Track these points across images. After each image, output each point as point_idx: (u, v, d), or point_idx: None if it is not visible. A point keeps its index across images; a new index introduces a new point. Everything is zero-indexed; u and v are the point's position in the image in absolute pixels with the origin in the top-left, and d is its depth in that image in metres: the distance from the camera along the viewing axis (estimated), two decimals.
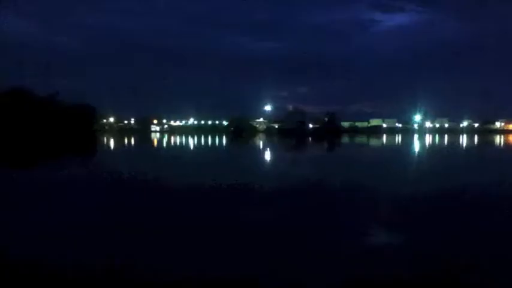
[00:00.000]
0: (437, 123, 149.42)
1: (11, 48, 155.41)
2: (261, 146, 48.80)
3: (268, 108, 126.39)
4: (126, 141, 61.08)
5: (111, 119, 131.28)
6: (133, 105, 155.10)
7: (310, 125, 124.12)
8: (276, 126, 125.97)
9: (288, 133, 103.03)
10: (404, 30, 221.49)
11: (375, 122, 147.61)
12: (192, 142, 56.47)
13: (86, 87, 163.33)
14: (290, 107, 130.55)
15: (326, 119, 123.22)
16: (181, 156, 32.14)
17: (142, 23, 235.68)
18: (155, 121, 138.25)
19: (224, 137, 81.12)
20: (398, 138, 75.98)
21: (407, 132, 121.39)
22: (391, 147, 48.75)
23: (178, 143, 55.27)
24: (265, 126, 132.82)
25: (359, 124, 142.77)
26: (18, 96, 77.21)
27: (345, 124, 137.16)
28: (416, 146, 47.40)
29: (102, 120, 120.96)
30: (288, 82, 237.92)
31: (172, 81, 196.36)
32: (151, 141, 61.62)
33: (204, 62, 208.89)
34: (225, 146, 49.50)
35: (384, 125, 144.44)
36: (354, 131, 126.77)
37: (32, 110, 74.57)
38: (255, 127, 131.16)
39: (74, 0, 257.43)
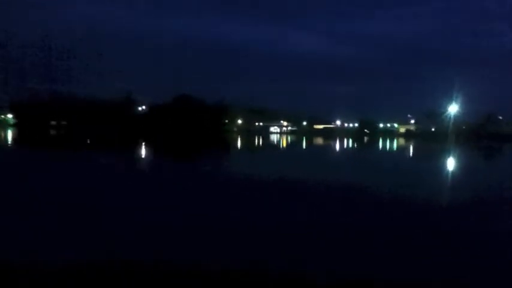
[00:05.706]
0: None
1: None
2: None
3: (453, 109, 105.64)
4: (256, 141, 63.64)
5: (239, 121, 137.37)
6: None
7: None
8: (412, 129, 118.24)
9: (424, 136, 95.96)
10: None
11: None
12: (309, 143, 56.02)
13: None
14: None
15: (483, 121, 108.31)
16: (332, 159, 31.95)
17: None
18: (285, 122, 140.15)
19: (352, 139, 79.06)
20: None
21: None
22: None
23: (301, 144, 55.44)
24: (404, 129, 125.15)
25: None
26: (182, 101, 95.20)
27: None
28: None
29: (235, 122, 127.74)
30: None
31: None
32: (277, 142, 62.96)
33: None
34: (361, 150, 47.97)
35: None
36: None
37: (190, 113, 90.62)
38: (390, 130, 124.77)
39: None
